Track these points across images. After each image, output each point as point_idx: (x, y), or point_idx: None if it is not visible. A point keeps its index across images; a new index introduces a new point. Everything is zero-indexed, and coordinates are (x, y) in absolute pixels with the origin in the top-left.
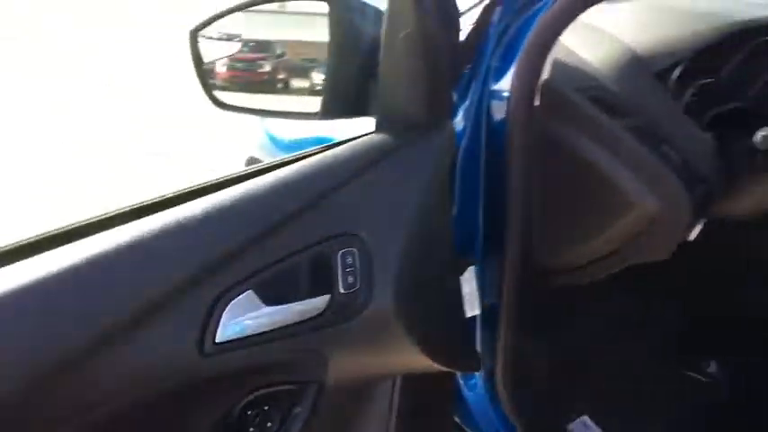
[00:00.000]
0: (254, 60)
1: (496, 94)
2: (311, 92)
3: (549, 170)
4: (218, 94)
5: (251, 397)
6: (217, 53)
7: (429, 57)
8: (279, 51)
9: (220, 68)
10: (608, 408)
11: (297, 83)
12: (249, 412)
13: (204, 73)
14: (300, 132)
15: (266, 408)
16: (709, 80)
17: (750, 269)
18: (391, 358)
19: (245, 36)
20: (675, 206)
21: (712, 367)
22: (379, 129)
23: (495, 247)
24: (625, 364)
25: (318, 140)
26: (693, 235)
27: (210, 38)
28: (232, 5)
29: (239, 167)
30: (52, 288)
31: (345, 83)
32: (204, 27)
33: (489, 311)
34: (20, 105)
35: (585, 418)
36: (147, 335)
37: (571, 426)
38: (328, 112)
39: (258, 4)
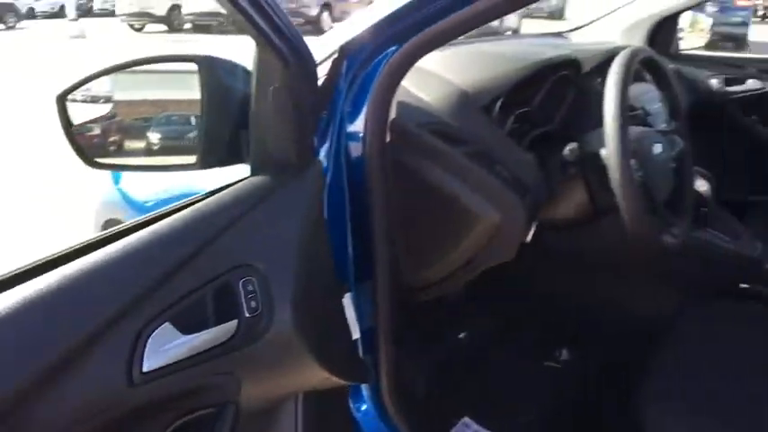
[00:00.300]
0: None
1: (352, 135)
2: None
3: (406, 197)
4: (92, 154)
5: (178, 423)
6: (88, 115)
7: (295, 107)
8: (110, 113)
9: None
10: (486, 406)
11: (130, 144)
12: None
13: (73, 136)
14: (157, 190)
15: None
16: (524, 110)
17: (578, 264)
18: (295, 375)
19: (115, 97)
20: (512, 215)
21: (564, 354)
22: (255, 173)
23: (366, 273)
24: (496, 364)
25: (184, 194)
26: (529, 237)
27: (76, 101)
28: (99, 70)
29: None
30: None
31: (219, 135)
32: (72, 91)
33: (368, 333)
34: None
35: (466, 419)
36: (79, 374)
37: (454, 429)
38: (205, 162)
39: (126, 67)
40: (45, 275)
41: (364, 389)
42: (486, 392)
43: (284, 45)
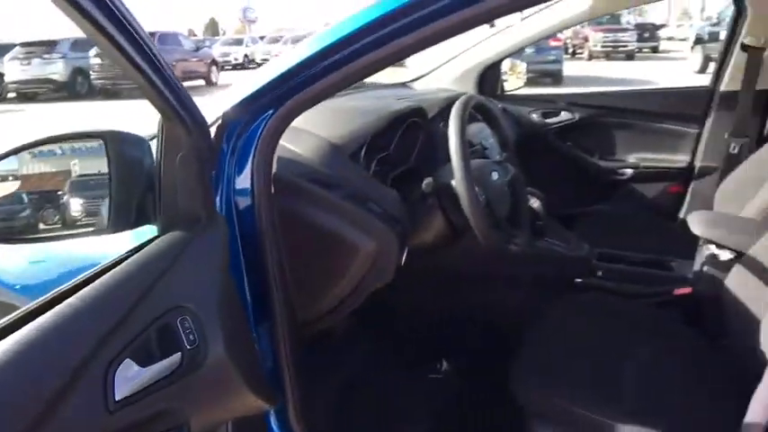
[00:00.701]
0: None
1: (239, 191)
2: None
3: (294, 241)
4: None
5: None
6: None
7: (199, 170)
8: (18, 188)
9: None
10: (381, 421)
11: (40, 215)
12: None
13: None
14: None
15: None
16: (384, 154)
17: (445, 281)
18: (231, 398)
19: (22, 172)
20: (386, 242)
21: (444, 366)
22: (166, 230)
23: (264, 314)
24: (385, 383)
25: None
26: (402, 260)
27: None
28: (8, 150)
29: None
30: None
31: (127, 201)
32: None
33: (272, 371)
34: None
35: None
36: (65, 411)
37: None
38: (115, 226)
39: (35, 146)
40: (9, 337)
41: (273, 423)
42: (379, 411)
43: (187, 116)
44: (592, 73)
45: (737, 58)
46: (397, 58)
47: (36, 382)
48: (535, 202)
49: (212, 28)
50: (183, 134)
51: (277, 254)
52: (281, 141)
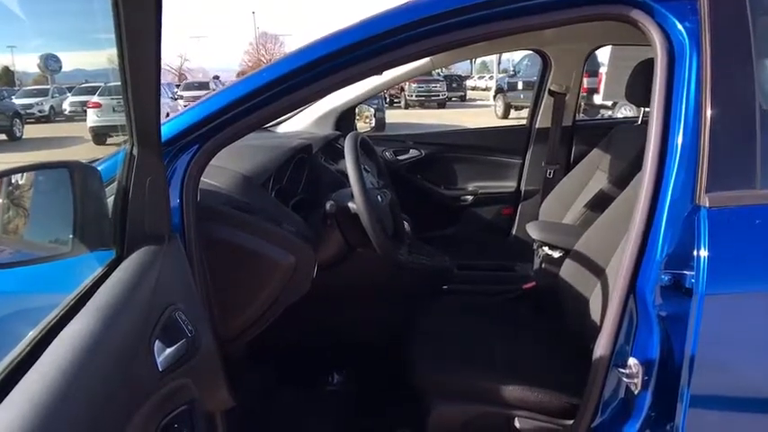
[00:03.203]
0: None
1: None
2: None
3: (220, 263)
4: None
5: (166, 420)
6: None
7: (166, 192)
8: None
9: None
10: None
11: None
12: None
13: None
14: None
15: (176, 425)
16: (279, 186)
17: (339, 295)
18: (216, 381)
19: None
20: (304, 256)
21: (336, 378)
22: (135, 247)
23: None
24: (282, 401)
25: None
26: (314, 273)
27: None
28: None
29: None
30: None
31: (91, 224)
32: None
33: None
34: None
35: None
36: (134, 371)
37: None
38: (78, 249)
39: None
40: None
41: None
42: (286, 425)
43: (159, 142)
44: (410, 120)
45: (546, 102)
46: (303, 103)
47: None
48: (405, 224)
49: (6, 77)
50: (155, 159)
51: (202, 271)
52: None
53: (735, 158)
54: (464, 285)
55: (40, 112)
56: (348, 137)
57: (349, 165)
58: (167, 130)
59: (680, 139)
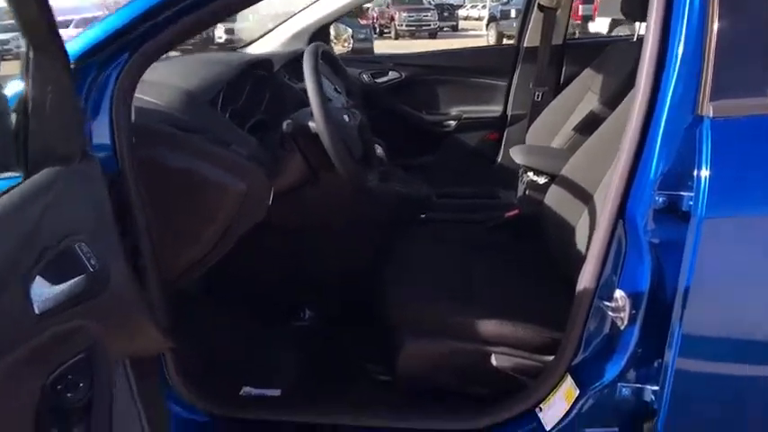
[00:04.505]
0: None
1: (98, 146)
2: None
3: (160, 189)
4: None
5: (59, 370)
6: None
7: (74, 103)
8: None
9: None
10: (258, 373)
11: None
12: (59, 386)
13: None
14: None
15: (70, 377)
16: (235, 106)
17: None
18: (135, 324)
19: None
20: (256, 181)
21: (308, 313)
22: (38, 169)
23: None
24: (252, 336)
25: None
26: (270, 200)
27: None
28: None
29: None
30: None
31: None
32: None
33: None
34: None
35: (245, 388)
36: None
37: (241, 392)
38: None
39: None
40: None
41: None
42: (246, 365)
43: (62, 46)
44: (400, 51)
45: (536, 17)
46: (249, 3)
47: None
48: (378, 149)
49: None
50: (58, 65)
51: (141, 200)
52: (137, 95)
53: (744, 63)
54: (443, 214)
55: None
56: (309, 47)
57: (307, 75)
58: (91, 37)
59: (680, 48)
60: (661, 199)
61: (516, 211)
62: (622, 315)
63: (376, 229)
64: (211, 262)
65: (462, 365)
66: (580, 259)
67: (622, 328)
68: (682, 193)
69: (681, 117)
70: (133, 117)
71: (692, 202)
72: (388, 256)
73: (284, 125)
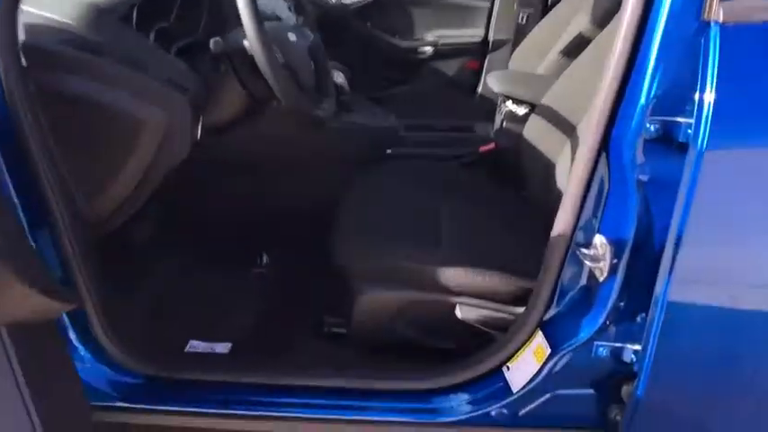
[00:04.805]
0: None
1: None
2: None
3: (64, 122)
4: None
5: None
6: None
7: None
8: None
9: None
10: (202, 323)
11: None
12: None
13: None
14: None
15: None
16: (163, 25)
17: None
18: (15, 298)
19: None
20: (177, 112)
21: (266, 259)
22: None
23: (43, 215)
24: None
25: None
26: (198, 134)
27: None
28: None
29: None
30: None
31: None
32: None
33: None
34: None
35: (192, 342)
36: None
37: (187, 348)
38: None
39: None
40: None
41: (72, 334)
42: (200, 313)
43: None
44: None
45: None
46: None
47: None
48: (339, 77)
49: None
50: None
51: (41, 140)
52: (31, 9)
53: None
54: (411, 149)
55: None
56: None
57: None
58: None
59: None
60: (653, 127)
61: (492, 146)
62: (602, 265)
63: (337, 166)
64: (136, 206)
65: (423, 318)
66: (559, 200)
67: (601, 279)
68: (678, 119)
69: (682, 23)
70: (24, 35)
71: (690, 131)
72: (347, 195)
73: (212, 44)
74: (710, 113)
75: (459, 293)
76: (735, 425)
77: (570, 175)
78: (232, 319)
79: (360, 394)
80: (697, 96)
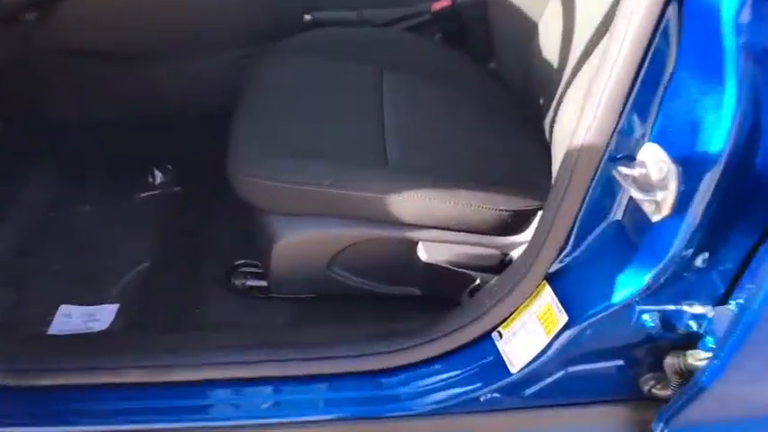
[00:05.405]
0: None
1: None
2: None
3: None
4: None
5: None
6: None
7: None
8: None
9: None
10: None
11: None
12: None
13: None
14: None
15: None
16: None
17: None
18: None
19: None
20: None
21: (159, 178)
22: None
23: None
24: (90, 213)
25: None
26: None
27: None
28: None
29: None
30: None
31: None
32: None
33: None
34: None
35: (63, 307)
36: None
37: (53, 325)
38: None
39: None
40: None
41: None
42: (86, 243)
43: None
44: None
45: None
46: None
47: None
48: None
49: None
50: None
51: None
52: None
53: None
54: (337, 13)
55: None
56: None
57: None
58: None
59: None
60: None
61: (448, 2)
62: (659, 197)
63: (246, 42)
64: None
65: (371, 264)
66: (557, 80)
67: (656, 219)
68: None
69: None
70: None
71: None
72: (250, 84)
73: None
74: None
75: (420, 226)
76: None
77: (610, 31)
78: (125, 244)
79: (283, 383)
80: None
